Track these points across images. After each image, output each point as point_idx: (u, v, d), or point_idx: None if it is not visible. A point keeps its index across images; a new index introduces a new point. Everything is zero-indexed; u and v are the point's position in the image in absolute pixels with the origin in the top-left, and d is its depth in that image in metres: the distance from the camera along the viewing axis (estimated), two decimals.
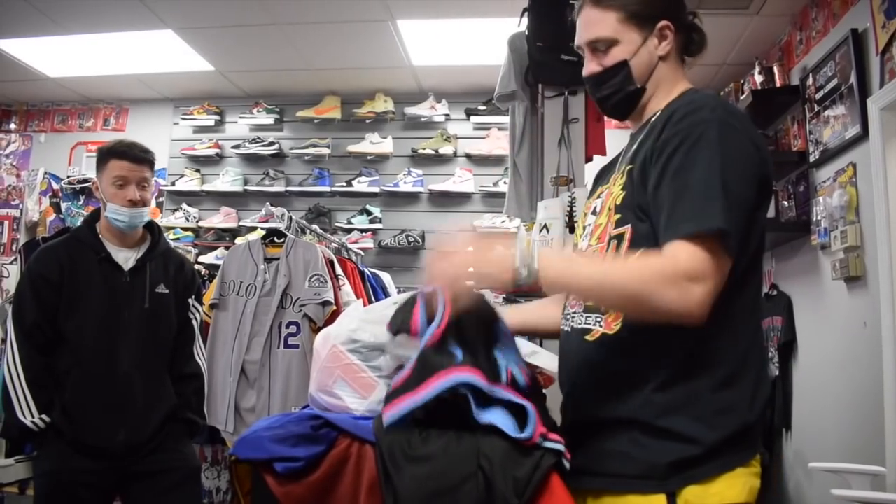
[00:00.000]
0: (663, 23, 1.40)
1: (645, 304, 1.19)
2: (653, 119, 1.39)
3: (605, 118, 3.19)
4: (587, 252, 1.41)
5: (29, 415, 2.31)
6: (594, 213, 1.45)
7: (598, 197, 1.46)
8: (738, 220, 1.21)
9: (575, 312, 1.39)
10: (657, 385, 1.25)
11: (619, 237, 1.33)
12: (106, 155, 2.53)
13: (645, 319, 1.22)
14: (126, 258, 2.53)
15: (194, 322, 2.72)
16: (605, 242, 1.36)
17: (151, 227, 2.65)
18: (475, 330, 1.26)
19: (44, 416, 2.32)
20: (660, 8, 1.41)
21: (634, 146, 1.40)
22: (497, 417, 1.17)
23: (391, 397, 1.21)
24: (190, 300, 2.70)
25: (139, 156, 2.52)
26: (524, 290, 1.25)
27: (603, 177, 1.55)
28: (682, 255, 1.18)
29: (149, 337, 2.51)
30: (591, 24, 1.43)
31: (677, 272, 1.16)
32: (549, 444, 1.19)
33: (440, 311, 1.23)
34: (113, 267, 2.49)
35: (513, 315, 1.55)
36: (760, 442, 1.30)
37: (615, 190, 1.38)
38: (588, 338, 1.33)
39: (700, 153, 1.23)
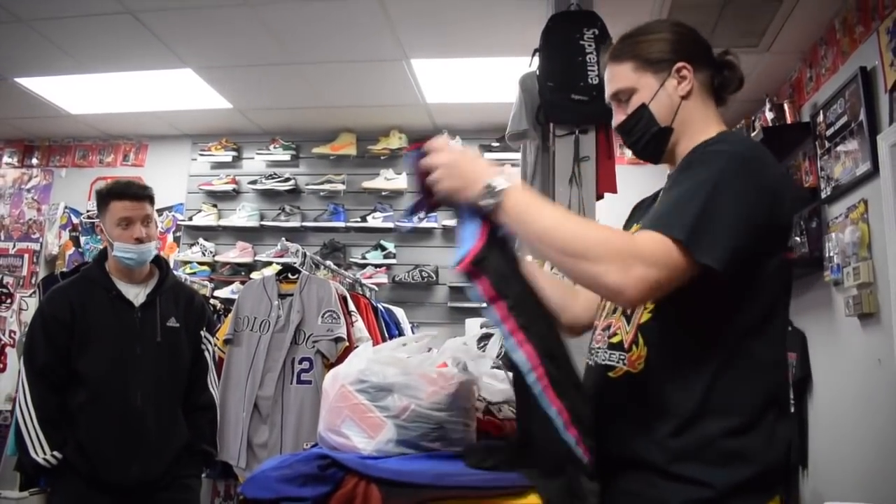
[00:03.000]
0: (679, 64, 1.44)
1: (584, 266, 1.20)
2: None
3: (616, 156, 3.23)
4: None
5: (41, 452, 2.33)
6: None
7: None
8: (711, 235, 1.20)
9: (599, 348, 1.40)
10: (672, 429, 1.26)
11: None
12: (106, 197, 2.56)
13: (579, 282, 1.26)
14: (136, 294, 2.57)
15: (207, 354, 2.74)
16: None
17: (159, 262, 2.68)
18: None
19: (55, 454, 2.34)
20: (675, 51, 1.45)
21: (666, 185, 1.44)
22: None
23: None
24: (202, 332, 2.73)
25: (139, 193, 2.56)
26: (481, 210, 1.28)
27: (636, 214, 1.59)
28: (640, 239, 1.21)
29: (162, 371, 2.54)
30: (612, 79, 1.49)
31: (629, 251, 1.18)
32: (578, 453, 1.20)
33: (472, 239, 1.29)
34: (124, 303, 2.53)
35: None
36: (782, 482, 1.29)
37: None
38: (611, 374, 1.35)
39: (699, 174, 1.26)
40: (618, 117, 1.50)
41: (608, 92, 1.51)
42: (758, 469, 1.24)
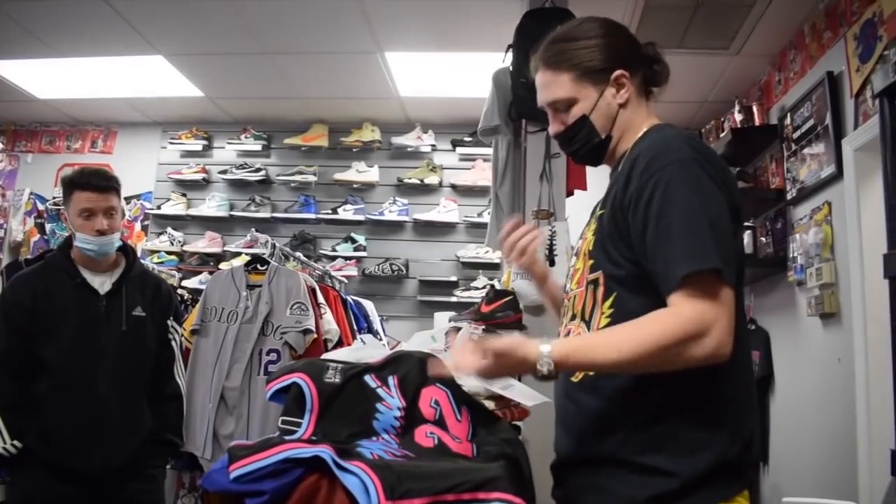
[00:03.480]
0: (618, 72, 1.43)
1: (670, 366, 1.21)
2: (623, 159, 1.42)
3: None
4: (570, 294, 1.45)
5: (0, 441, 2.30)
6: (576, 254, 1.48)
7: (581, 238, 1.49)
8: (728, 251, 1.24)
9: None
10: (636, 424, 1.28)
11: (595, 282, 1.36)
12: (69, 186, 2.50)
13: (676, 368, 1.23)
14: (102, 282, 2.53)
15: (174, 343, 2.71)
16: (583, 287, 1.39)
17: (126, 251, 2.64)
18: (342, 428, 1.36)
19: (15, 443, 2.31)
20: (612, 59, 1.43)
21: (607, 189, 1.44)
22: (351, 483, 1.19)
23: (241, 456, 1.24)
24: (169, 322, 2.70)
25: (102, 185, 2.49)
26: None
27: (590, 217, 1.58)
28: (686, 309, 1.20)
29: (127, 360, 2.50)
30: (547, 86, 1.46)
31: (688, 330, 1.18)
32: None
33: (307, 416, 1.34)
34: (89, 291, 2.49)
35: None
36: (748, 477, 1.31)
37: (588, 235, 1.42)
38: (573, 379, 1.37)
39: (677, 194, 1.25)
40: (555, 126, 1.48)
41: (543, 99, 1.48)
42: (723, 459, 1.25)
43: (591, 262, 1.38)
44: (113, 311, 2.51)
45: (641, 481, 1.25)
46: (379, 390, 1.45)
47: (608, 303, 1.33)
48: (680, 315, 1.20)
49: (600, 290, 1.34)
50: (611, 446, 1.29)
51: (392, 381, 1.47)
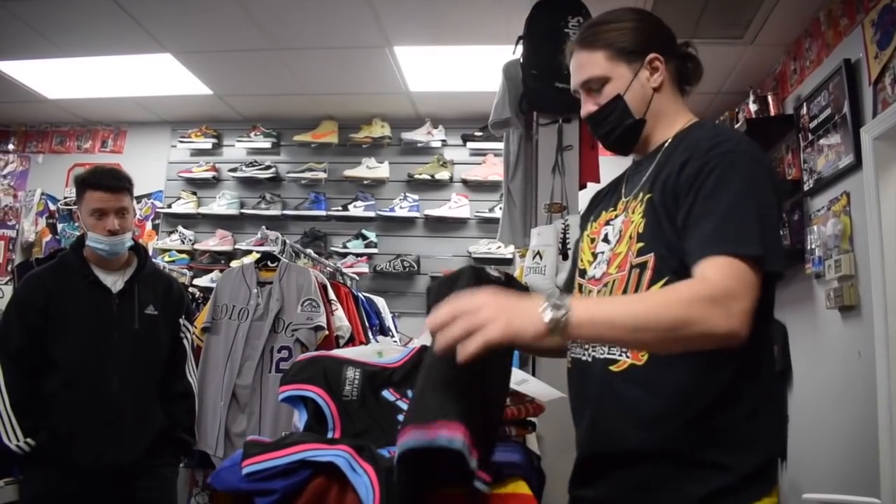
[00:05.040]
0: (652, 55, 1.43)
1: (690, 331, 1.11)
2: (665, 145, 1.41)
3: (600, 146, 3.21)
4: (604, 280, 1.39)
5: (14, 438, 2.30)
6: (606, 240, 1.43)
7: (608, 224, 1.45)
8: (774, 244, 1.23)
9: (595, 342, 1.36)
10: (687, 418, 1.24)
11: (642, 266, 1.31)
12: (81, 185, 2.51)
13: (688, 347, 1.15)
14: (114, 281, 2.54)
15: (185, 342, 2.72)
16: (625, 271, 1.34)
17: (138, 250, 2.65)
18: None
19: (28, 440, 2.32)
20: (647, 42, 1.43)
21: (647, 173, 1.40)
22: (359, 483, 1.15)
23: (255, 452, 1.20)
24: (180, 320, 2.71)
25: (115, 185, 2.50)
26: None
27: (600, 203, 1.54)
28: (713, 275, 1.16)
29: (138, 358, 2.51)
30: (582, 66, 1.46)
31: (716, 292, 1.13)
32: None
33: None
34: (101, 290, 2.50)
35: None
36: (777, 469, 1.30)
37: (635, 218, 1.36)
38: (613, 368, 1.31)
39: (733, 178, 1.24)
40: (588, 107, 1.47)
41: (576, 80, 1.48)
42: (770, 454, 1.25)
43: (641, 244, 1.33)
44: (125, 309, 2.52)
45: (696, 478, 1.22)
46: (398, 402, 1.42)
47: (657, 287, 1.28)
48: (706, 280, 1.16)
49: (647, 273, 1.30)
50: (659, 441, 1.25)
51: (412, 393, 1.43)
